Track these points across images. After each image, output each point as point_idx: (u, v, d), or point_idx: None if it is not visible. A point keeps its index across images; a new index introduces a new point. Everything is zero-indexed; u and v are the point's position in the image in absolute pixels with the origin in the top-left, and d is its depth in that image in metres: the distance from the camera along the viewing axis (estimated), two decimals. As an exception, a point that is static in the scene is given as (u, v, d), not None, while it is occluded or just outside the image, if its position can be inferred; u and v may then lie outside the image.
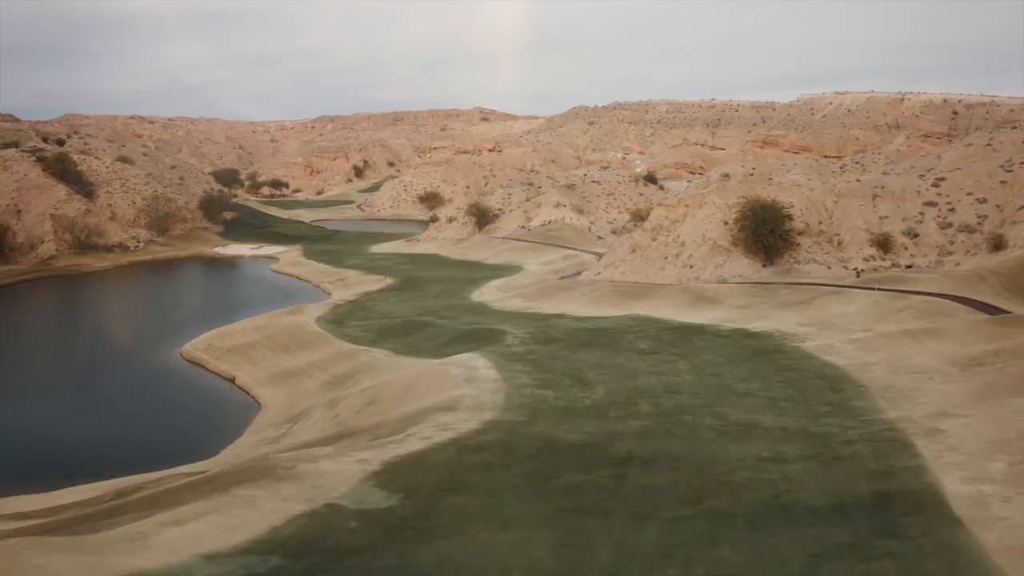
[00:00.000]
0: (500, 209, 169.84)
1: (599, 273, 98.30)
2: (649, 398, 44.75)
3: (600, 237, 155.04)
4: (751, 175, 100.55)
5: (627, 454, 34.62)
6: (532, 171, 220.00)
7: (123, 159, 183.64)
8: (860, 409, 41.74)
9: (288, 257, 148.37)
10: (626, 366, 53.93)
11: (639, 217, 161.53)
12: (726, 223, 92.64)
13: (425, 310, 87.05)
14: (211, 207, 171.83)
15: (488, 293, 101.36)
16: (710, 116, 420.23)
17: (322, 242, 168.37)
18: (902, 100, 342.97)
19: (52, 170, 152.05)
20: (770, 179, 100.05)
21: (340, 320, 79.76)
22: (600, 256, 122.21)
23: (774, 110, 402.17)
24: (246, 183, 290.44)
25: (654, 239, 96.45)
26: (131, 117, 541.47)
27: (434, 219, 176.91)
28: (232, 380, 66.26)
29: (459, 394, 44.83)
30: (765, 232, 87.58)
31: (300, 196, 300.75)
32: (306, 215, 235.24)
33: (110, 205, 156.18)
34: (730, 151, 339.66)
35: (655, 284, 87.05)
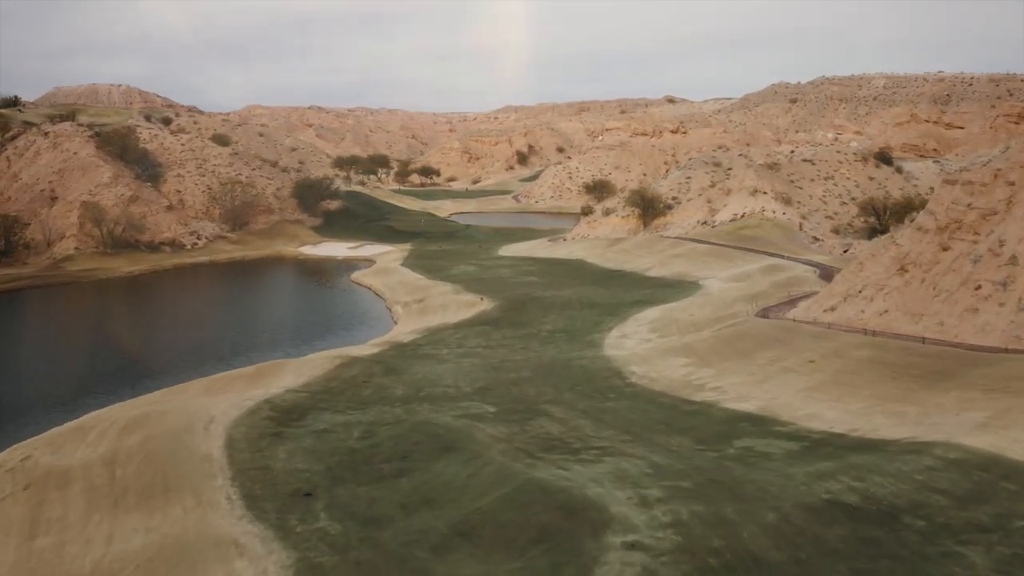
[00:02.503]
0: (674, 198, 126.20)
1: (832, 308, 53.85)
2: None
3: (817, 238, 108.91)
4: None
5: None
6: (721, 148, 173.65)
7: (218, 138, 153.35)
8: None
9: (384, 261, 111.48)
10: None
11: (871, 210, 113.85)
12: (1102, 218, 45.92)
13: (498, 376, 46.38)
14: (307, 196, 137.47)
15: (633, 336, 59.29)
16: (938, 91, 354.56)
17: (440, 240, 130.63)
18: None
19: (109, 147, 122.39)
20: None
21: (303, 411, 39.98)
22: (823, 271, 77.31)
23: (1022, 82, 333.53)
24: (392, 171, 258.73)
25: (946, 248, 50.67)
26: (309, 107, 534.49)
27: (587, 211, 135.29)
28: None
29: None
30: None
31: (455, 185, 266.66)
32: (449, 206, 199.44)
33: (179, 191, 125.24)
34: (971, 129, 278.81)
35: (963, 345, 41.82)
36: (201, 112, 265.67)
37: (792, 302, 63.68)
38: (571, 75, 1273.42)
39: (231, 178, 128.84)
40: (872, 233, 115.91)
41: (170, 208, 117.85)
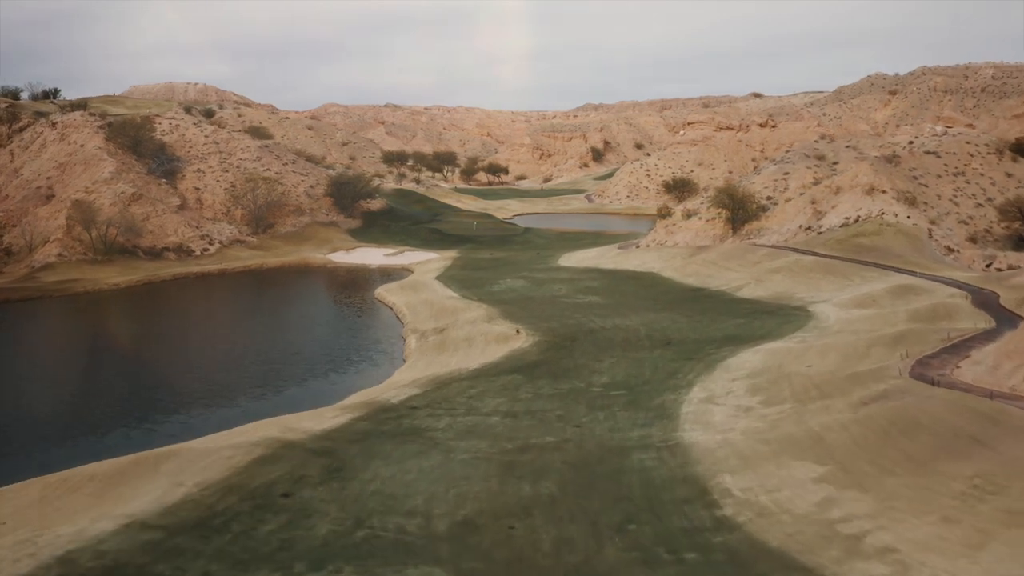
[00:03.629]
0: (769, 197, 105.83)
1: (1044, 372, 34.01)
2: None
3: (951, 249, 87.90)
4: None
5: None
6: (824, 138, 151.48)
7: (254, 130, 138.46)
8: None
9: (421, 272, 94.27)
10: None
11: (1016, 214, 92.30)
12: None
13: (504, 492, 28.14)
14: (343, 194, 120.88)
15: (723, 400, 40.39)
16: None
17: (492, 247, 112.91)
18: None
19: (120, 139, 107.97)
20: None
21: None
22: (975, 295, 57.31)
23: None
24: (457, 168, 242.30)
25: None
26: (384, 106, 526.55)
27: (664, 214, 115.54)
28: None
29: None
30: None
31: (524, 184, 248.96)
32: (514, 206, 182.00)
33: (197, 188, 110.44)
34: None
35: None
36: (248, 105, 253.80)
37: (957, 350, 43.70)
38: (656, 75, 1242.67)
39: (255, 173, 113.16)
40: (1019, 243, 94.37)
41: (181, 208, 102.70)
